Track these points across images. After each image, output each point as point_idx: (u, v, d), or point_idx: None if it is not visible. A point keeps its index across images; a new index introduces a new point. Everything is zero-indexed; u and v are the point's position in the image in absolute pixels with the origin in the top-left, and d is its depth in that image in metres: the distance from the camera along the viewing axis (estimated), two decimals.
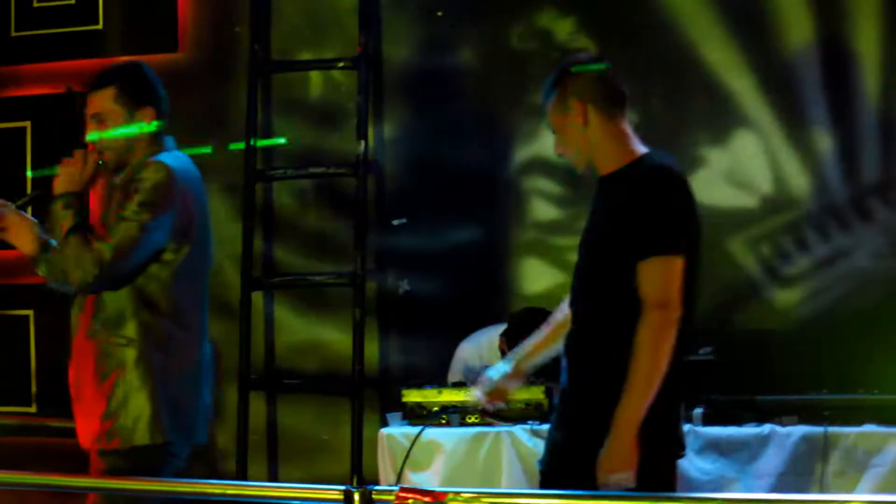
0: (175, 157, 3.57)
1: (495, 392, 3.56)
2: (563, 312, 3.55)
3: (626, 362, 3.09)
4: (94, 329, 3.48)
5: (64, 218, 3.41)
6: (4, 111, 5.82)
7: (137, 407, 3.48)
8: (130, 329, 3.46)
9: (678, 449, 3.28)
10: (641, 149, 3.30)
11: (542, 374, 3.87)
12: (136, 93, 3.50)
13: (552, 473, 3.31)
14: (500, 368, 3.59)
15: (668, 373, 3.11)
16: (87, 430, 3.49)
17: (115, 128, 3.48)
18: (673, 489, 3.26)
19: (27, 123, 5.69)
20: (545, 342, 3.57)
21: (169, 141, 3.61)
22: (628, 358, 3.08)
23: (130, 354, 3.48)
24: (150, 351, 3.48)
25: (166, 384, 3.49)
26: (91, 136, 3.48)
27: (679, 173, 3.29)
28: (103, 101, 3.46)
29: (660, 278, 3.08)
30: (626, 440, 3.05)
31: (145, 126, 3.49)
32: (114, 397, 3.47)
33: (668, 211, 3.15)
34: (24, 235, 3.46)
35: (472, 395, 3.78)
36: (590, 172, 3.38)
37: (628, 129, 3.33)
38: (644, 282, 3.10)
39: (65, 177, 3.45)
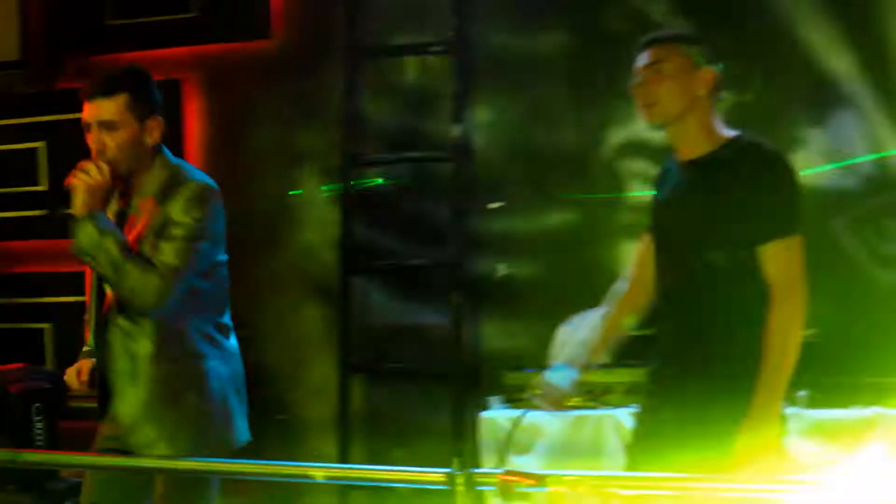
0: (196, 169, 3.59)
1: (557, 398, 3.55)
2: (616, 300, 3.58)
3: (747, 347, 3.06)
4: (155, 354, 3.46)
5: (108, 245, 3.33)
6: None
7: (230, 416, 3.57)
8: (191, 344, 3.50)
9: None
10: (729, 130, 3.27)
11: (631, 356, 3.86)
12: (148, 101, 3.42)
13: (652, 453, 3.24)
14: (562, 373, 3.56)
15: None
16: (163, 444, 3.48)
17: (126, 136, 3.38)
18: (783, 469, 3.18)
19: None
20: (604, 339, 3.56)
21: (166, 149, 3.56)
22: (749, 343, 3.06)
23: (200, 368, 3.52)
24: (212, 360, 3.53)
25: (226, 387, 3.56)
26: (99, 144, 3.35)
27: (779, 150, 3.30)
28: (116, 107, 3.33)
29: (788, 260, 3.07)
30: (768, 427, 3.03)
31: (154, 135, 3.41)
32: (204, 412, 3.52)
33: (787, 191, 3.14)
34: (91, 199, 3.35)
35: (535, 402, 3.70)
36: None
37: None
38: (771, 265, 3.08)
39: (86, 195, 3.32)
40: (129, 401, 3.45)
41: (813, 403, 4.23)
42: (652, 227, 3.46)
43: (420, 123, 5.54)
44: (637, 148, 5.20)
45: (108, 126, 3.32)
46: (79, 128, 5.27)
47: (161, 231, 3.38)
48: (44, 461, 4.15)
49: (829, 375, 4.30)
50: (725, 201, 3.17)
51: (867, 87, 4.95)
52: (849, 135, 4.99)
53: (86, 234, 3.29)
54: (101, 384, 3.55)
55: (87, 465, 3.59)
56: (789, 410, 3.89)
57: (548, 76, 5.40)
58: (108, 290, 3.48)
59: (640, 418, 3.49)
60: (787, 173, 3.17)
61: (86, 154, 3.44)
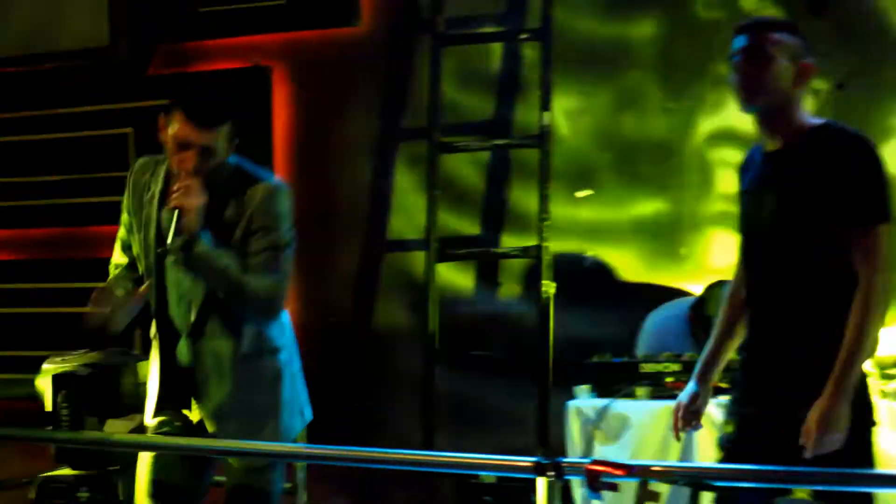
0: (262, 169, 3.61)
1: (689, 415, 3.50)
2: (731, 304, 3.51)
3: (834, 330, 3.05)
4: (238, 352, 3.53)
5: (225, 261, 3.40)
6: (195, 84, 5.84)
7: (297, 402, 3.67)
8: (269, 341, 3.57)
9: (873, 417, 3.24)
10: (816, 119, 3.26)
11: None
12: (236, 124, 3.46)
13: (744, 447, 3.23)
14: (688, 390, 3.53)
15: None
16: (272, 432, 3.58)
17: (219, 159, 3.44)
18: (872, 458, 3.21)
19: None
20: (725, 346, 3.52)
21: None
22: (836, 326, 3.05)
23: (276, 362, 3.58)
24: (283, 352, 3.61)
25: (296, 376, 3.66)
26: (191, 162, 3.36)
27: (869, 140, 3.27)
28: (217, 137, 3.40)
29: (874, 247, 3.07)
30: (842, 401, 3.02)
31: (232, 148, 3.47)
32: (279, 402, 3.58)
33: (874, 178, 3.13)
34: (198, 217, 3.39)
35: (671, 428, 3.65)
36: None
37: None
38: (857, 251, 3.07)
39: (193, 213, 3.37)
40: (214, 397, 3.51)
41: None
42: (740, 214, 3.46)
43: (507, 110, 5.56)
44: (729, 136, 5.15)
45: (206, 151, 3.35)
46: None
47: (248, 233, 3.42)
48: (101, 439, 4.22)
49: None
50: (813, 188, 3.15)
51: None
52: None
53: (201, 254, 3.34)
54: (163, 379, 3.61)
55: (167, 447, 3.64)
56: (882, 403, 4.00)
57: (636, 63, 5.37)
58: (188, 296, 3.49)
59: (731, 408, 3.45)
60: (875, 161, 3.15)
61: None
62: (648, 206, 5.32)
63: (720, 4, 5.18)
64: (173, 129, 3.36)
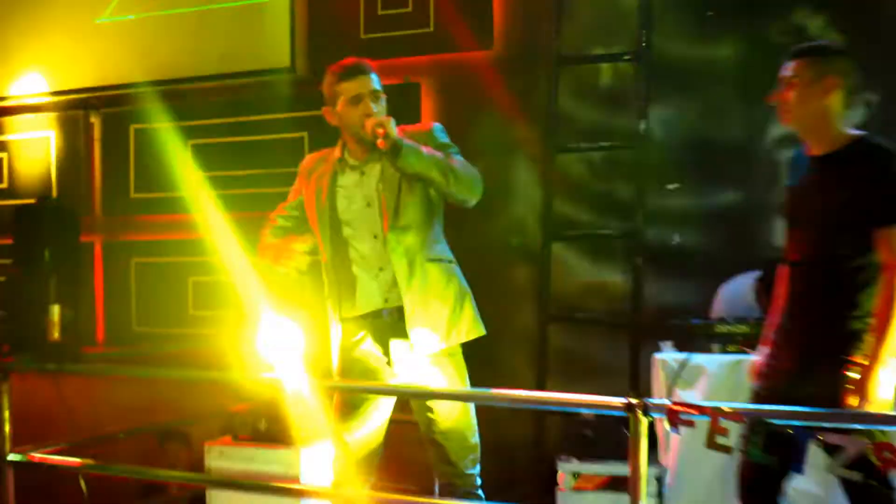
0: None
1: (754, 376, 3.64)
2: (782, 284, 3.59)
3: (855, 311, 3.25)
4: (439, 257, 3.81)
5: (433, 158, 3.62)
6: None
7: (470, 307, 3.87)
8: (445, 250, 3.86)
9: None
10: (855, 131, 3.36)
11: None
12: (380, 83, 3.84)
13: (777, 394, 3.33)
14: (756, 354, 3.73)
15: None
16: (431, 339, 3.73)
17: (383, 103, 3.75)
18: None
19: None
20: (774, 324, 3.59)
21: None
22: (860, 306, 3.25)
23: (454, 268, 3.87)
24: (455, 265, 3.88)
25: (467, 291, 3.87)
26: (370, 109, 3.68)
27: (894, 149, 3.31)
28: (371, 83, 3.75)
29: None
30: (880, 375, 3.15)
31: None
32: (456, 304, 3.80)
33: None
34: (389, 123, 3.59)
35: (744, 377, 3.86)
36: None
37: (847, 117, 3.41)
38: (884, 246, 3.20)
39: (390, 126, 3.56)
40: (412, 295, 3.70)
41: None
42: (783, 207, 3.60)
43: (610, 119, 5.71)
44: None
45: (373, 95, 3.73)
46: None
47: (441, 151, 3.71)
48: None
49: None
50: (848, 191, 3.26)
51: None
52: None
53: (411, 153, 3.56)
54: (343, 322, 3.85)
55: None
56: None
57: (718, 81, 5.49)
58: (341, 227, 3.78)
59: (768, 363, 3.55)
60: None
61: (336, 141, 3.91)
62: (726, 198, 5.50)
63: (790, 31, 5.27)
64: (350, 91, 3.72)
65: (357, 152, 3.85)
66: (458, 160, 3.73)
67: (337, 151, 3.90)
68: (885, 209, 3.24)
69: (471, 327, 3.84)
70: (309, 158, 4.07)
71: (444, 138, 3.84)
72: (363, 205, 3.81)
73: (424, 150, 3.62)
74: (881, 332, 3.21)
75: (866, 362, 3.21)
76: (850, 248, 3.31)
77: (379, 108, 3.73)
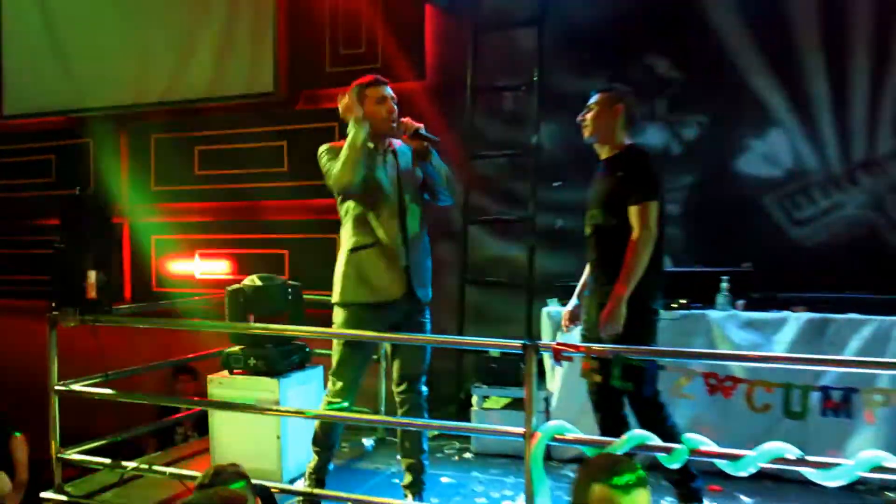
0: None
1: (569, 318, 3.74)
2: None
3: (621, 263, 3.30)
4: (424, 232, 3.72)
5: (440, 163, 3.68)
6: (322, 117, 6.00)
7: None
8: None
9: (655, 315, 3.43)
10: (629, 140, 3.47)
11: None
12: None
13: (594, 336, 3.44)
14: (571, 303, 3.77)
15: (648, 272, 3.30)
16: (428, 290, 3.70)
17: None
18: (655, 338, 3.40)
19: (335, 124, 5.65)
20: (584, 283, 3.73)
21: None
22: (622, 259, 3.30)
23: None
24: None
25: None
26: (393, 108, 3.64)
27: (649, 152, 3.49)
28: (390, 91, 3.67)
29: (643, 216, 3.30)
30: (618, 306, 3.28)
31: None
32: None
33: (645, 175, 3.36)
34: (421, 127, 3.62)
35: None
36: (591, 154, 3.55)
37: (629, 133, 3.48)
38: (633, 218, 3.31)
39: (422, 126, 3.62)
40: (422, 263, 3.67)
41: (747, 308, 4.35)
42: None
43: (511, 133, 5.65)
44: None
45: (392, 99, 3.67)
46: (309, 133, 5.64)
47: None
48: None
49: (757, 291, 4.44)
50: (619, 181, 3.38)
51: (790, 112, 5.02)
52: (777, 143, 5.05)
53: (436, 156, 3.67)
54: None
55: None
56: (732, 313, 4.30)
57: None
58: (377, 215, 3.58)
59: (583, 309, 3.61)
60: (647, 165, 3.37)
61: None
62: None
63: (643, 70, 5.23)
64: (378, 94, 3.61)
65: (379, 143, 3.71)
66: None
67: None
68: (631, 191, 3.32)
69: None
70: (329, 146, 3.81)
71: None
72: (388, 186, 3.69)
73: (440, 161, 3.68)
74: (622, 275, 3.27)
75: (612, 298, 3.29)
76: (615, 221, 3.37)
77: (395, 108, 3.68)
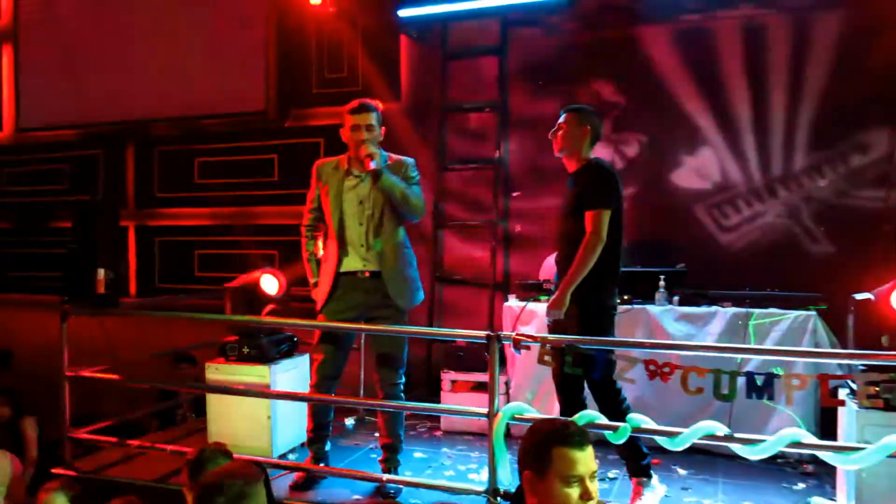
0: (401, 155, 3.71)
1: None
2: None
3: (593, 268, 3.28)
4: (399, 245, 3.65)
5: (398, 185, 3.53)
6: (309, 133, 6.00)
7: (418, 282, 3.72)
8: (406, 241, 3.71)
9: (612, 310, 3.41)
10: (591, 156, 3.44)
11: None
12: (380, 118, 3.64)
13: (559, 326, 3.36)
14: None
15: (602, 270, 3.27)
16: (407, 299, 3.64)
17: (375, 135, 3.59)
18: (611, 330, 3.37)
19: (321, 140, 5.88)
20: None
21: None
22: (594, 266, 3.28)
23: (410, 253, 3.71)
24: (410, 249, 3.73)
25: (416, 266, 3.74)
26: (361, 135, 3.54)
27: (609, 167, 3.42)
28: (371, 119, 3.59)
29: (595, 220, 3.27)
30: (563, 295, 3.27)
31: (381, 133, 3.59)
32: (410, 276, 3.67)
33: (600, 185, 3.31)
34: (380, 163, 3.51)
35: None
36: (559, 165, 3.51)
37: (593, 149, 3.46)
38: (588, 222, 3.30)
39: (378, 157, 3.53)
40: (396, 274, 3.59)
41: (681, 303, 4.33)
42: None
43: (477, 149, 5.60)
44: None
45: (369, 128, 3.59)
46: (297, 146, 5.54)
47: (406, 181, 3.58)
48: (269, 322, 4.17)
49: (690, 288, 4.39)
50: (580, 191, 3.35)
51: (718, 132, 4.99)
52: (707, 159, 5.02)
53: (387, 181, 3.53)
54: (335, 280, 3.62)
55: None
56: (668, 307, 4.30)
57: (545, 125, 4.53)
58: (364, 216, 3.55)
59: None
60: (603, 177, 3.32)
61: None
62: (550, 202, 5.16)
63: (591, 95, 5.15)
64: (352, 122, 3.55)
65: (356, 165, 3.67)
66: (413, 190, 3.61)
67: (344, 164, 3.71)
68: (587, 200, 3.31)
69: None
70: (319, 164, 3.81)
71: (413, 172, 3.69)
72: (356, 202, 3.67)
73: (395, 178, 3.54)
74: (571, 270, 3.27)
75: (559, 289, 3.29)
76: (580, 227, 3.33)
77: (370, 136, 3.57)
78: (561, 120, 3.49)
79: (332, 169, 3.74)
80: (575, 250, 3.32)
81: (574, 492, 1.80)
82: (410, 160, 3.73)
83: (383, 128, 3.65)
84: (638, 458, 3.44)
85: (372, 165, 3.52)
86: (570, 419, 2.43)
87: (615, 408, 3.28)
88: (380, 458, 3.81)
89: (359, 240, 3.60)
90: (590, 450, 1.88)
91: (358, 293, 3.65)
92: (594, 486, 1.85)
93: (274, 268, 4.85)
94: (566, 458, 1.84)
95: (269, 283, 4.44)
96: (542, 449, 1.87)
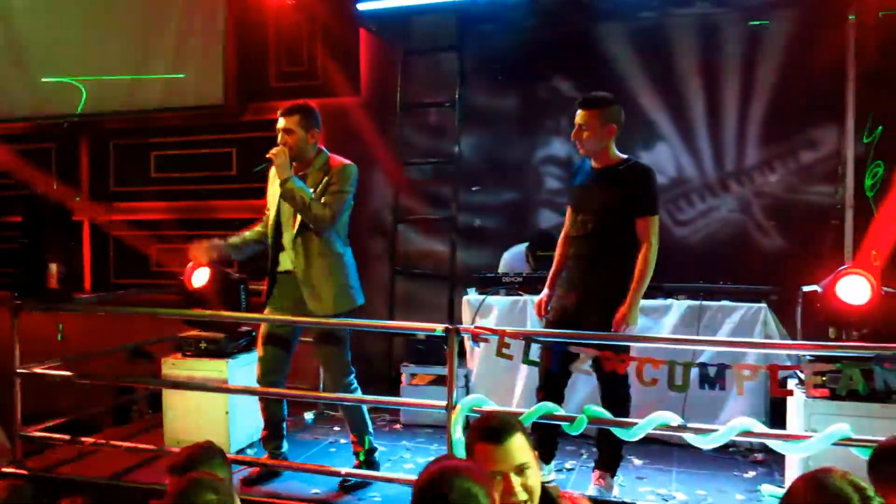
0: (339, 157, 3.57)
1: (538, 309, 3.58)
2: (563, 245, 3.54)
3: (619, 271, 3.25)
4: (320, 251, 3.53)
5: (301, 191, 3.41)
6: (268, 127, 5.33)
7: (355, 287, 3.65)
8: (337, 247, 3.57)
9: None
10: (624, 155, 3.37)
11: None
12: (311, 120, 3.49)
13: (564, 322, 3.33)
14: (542, 293, 3.57)
15: (630, 273, 3.24)
16: (325, 305, 3.51)
17: (297, 138, 3.46)
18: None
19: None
20: (555, 275, 3.56)
21: (323, 148, 3.59)
22: (620, 269, 3.25)
23: (342, 260, 3.60)
24: (346, 257, 3.62)
25: (353, 272, 3.64)
26: (283, 140, 3.45)
27: (653, 170, 3.36)
28: (292, 122, 3.44)
29: (649, 227, 3.24)
30: (635, 307, 3.24)
31: (313, 139, 3.50)
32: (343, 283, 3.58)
33: (649, 190, 3.27)
34: (285, 167, 3.39)
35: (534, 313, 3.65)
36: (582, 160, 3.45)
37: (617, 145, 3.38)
38: (640, 229, 3.25)
39: (280, 167, 3.39)
40: (311, 279, 3.50)
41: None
42: (570, 200, 3.53)
43: (436, 144, 5.61)
44: (551, 159, 5.33)
45: (288, 132, 3.47)
46: (256, 141, 5.38)
47: (326, 189, 3.46)
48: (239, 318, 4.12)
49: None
50: (619, 192, 3.27)
51: (673, 128, 5.06)
52: (663, 155, 5.04)
53: (289, 187, 3.40)
54: (271, 277, 3.61)
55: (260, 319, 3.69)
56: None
57: (504, 120, 5.43)
58: (289, 221, 3.49)
59: (554, 300, 3.49)
60: (650, 180, 3.28)
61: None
62: (508, 196, 5.48)
63: (550, 90, 5.20)
64: (278, 125, 3.48)
65: (297, 168, 3.57)
66: (318, 202, 3.44)
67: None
68: (642, 205, 3.25)
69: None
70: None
71: (343, 179, 3.50)
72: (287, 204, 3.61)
73: (298, 184, 3.41)
74: (636, 283, 3.22)
75: (628, 302, 3.23)
76: (617, 227, 3.28)
77: (288, 140, 3.48)
78: (579, 119, 3.34)
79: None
80: (609, 255, 3.28)
81: (498, 486, 1.78)
82: (346, 168, 3.53)
83: (314, 130, 3.52)
84: (612, 455, 3.45)
85: (275, 161, 3.44)
86: (496, 412, 2.46)
87: (622, 402, 3.29)
88: (355, 464, 3.76)
89: (289, 240, 3.56)
90: (513, 443, 1.84)
91: (290, 291, 3.61)
92: (525, 480, 1.81)
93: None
94: (485, 454, 1.82)
95: (199, 277, 4.30)
96: (469, 445, 1.89)
